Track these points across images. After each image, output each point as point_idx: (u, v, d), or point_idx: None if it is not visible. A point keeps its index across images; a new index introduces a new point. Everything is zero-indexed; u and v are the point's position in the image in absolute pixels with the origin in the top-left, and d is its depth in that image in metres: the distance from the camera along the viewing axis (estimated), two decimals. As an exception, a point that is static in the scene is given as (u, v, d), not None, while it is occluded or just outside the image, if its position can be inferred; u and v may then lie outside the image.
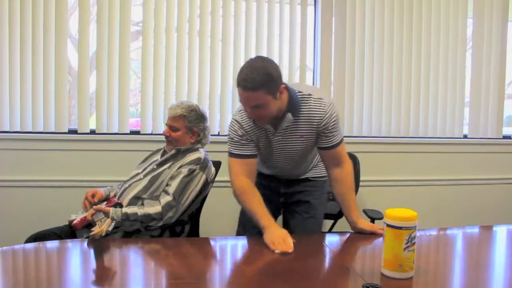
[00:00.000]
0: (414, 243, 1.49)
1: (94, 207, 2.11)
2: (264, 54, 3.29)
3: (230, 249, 1.92)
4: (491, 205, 3.63)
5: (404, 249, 1.47)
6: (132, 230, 2.18)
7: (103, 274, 1.59)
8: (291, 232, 1.89)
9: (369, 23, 3.42)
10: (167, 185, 2.27)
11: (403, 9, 3.45)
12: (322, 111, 1.96)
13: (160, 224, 2.19)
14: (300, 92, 1.97)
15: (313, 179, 2.28)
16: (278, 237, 1.82)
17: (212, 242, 1.96)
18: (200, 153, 2.37)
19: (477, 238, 2.20)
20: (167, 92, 3.20)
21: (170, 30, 3.19)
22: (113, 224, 1.93)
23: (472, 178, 3.61)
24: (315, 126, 1.98)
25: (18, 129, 3.08)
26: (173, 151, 2.37)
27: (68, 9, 3.11)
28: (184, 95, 3.21)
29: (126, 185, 2.36)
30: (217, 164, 2.58)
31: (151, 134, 3.19)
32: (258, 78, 1.78)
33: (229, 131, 2.05)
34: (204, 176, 2.32)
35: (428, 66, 3.51)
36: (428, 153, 3.54)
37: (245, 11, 3.28)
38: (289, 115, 1.94)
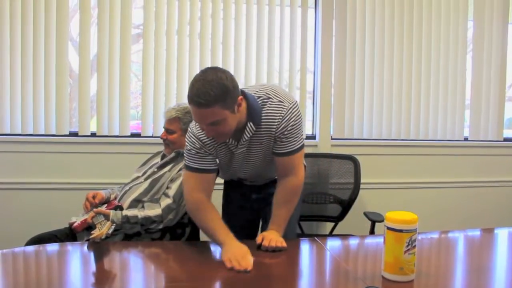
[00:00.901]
0: (415, 246, 1.49)
1: (94, 210, 2.11)
2: (264, 56, 3.30)
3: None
4: (492, 208, 3.63)
5: (405, 252, 1.47)
6: (132, 233, 2.18)
7: (103, 277, 1.59)
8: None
9: (370, 26, 3.42)
10: (167, 187, 2.27)
11: (404, 12, 3.45)
12: (280, 115, 1.81)
13: (161, 226, 2.19)
14: (259, 97, 1.84)
15: None
16: (236, 254, 1.67)
17: (212, 246, 1.96)
18: None
19: (478, 241, 2.19)
20: (168, 95, 3.20)
21: (170, 32, 3.20)
22: (113, 226, 1.92)
23: (473, 181, 3.61)
24: (273, 129, 1.83)
25: (19, 132, 3.08)
26: (173, 154, 2.38)
27: (69, 12, 3.12)
28: (184, 98, 3.17)
29: (127, 187, 2.36)
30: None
31: (152, 136, 3.19)
32: (212, 93, 1.62)
33: (186, 142, 1.92)
34: None
35: (429, 68, 3.51)
36: (428, 155, 3.54)
37: (245, 14, 3.28)
38: (251, 125, 1.81)
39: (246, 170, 2.03)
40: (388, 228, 1.50)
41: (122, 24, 3.13)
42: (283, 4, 3.31)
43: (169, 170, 2.33)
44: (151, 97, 3.20)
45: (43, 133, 3.10)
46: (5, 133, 3.06)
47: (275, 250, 1.80)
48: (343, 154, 3.11)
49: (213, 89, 1.63)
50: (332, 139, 3.40)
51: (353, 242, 2.13)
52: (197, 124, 1.85)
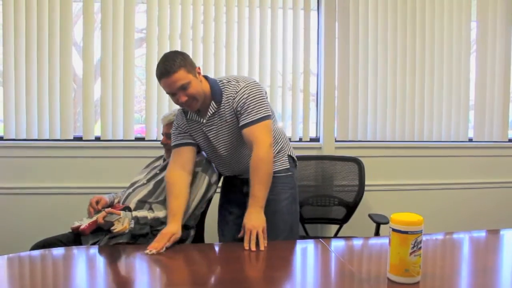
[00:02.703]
0: (420, 247, 1.48)
1: (106, 210, 2.11)
2: (267, 59, 3.30)
3: (234, 254, 1.91)
4: (497, 209, 3.61)
5: (410, 253, 1.47)
6: (139, 234, 2.18)
7: (108, 281, 1.59)
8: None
9: (373, 27, 3.42)
10: None
11: (407, 13, 3.45)
12: (235, 91, 2.01)
13: None
14: (221, 81, 2.06)
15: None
16: (161, 234, 1.88)
17: (216, 248, 1.96)
18: (201, 156, 2.38)
19: (484, 242, 2.18)
20: (171, 99, 3.20)
21: (174, 36, 3.21)
22: (132, 221, 1.96)
23: (478, 182, 3.59)
24: (230, 107, 2.03)
25: (24, 137, 3.10)
26: None
27: (72, 17, 3.14)
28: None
29: (130, 190, 2.37)
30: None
31: (156, 140, 3.20)
32: (174, 61, 1.90)
33: (173, 123, 2.21)
34: (206, 178, 2.31)
35: (432, 69, 3.51)
36: (433, 157, 3.53)
37: (248, 17, 3.29)
38: (213, 103, 2.03)
39: (223, 152, 2.13)
40: (394, 230, 1.49)
41: (126, 29, 3.15)
42: (286, 7, 3.32)
43: None
44: (155, 101, 3.20)
45: (47, 138, 3.12)
46: (10, 138, 3.08)
47: (257, 244, 1.84)
48: (347, 156, 3.11)
49: (174, 58, 1.91)
50: (336, 141, 3.40)
51: (358, 243, 2.12)
52: (176, 110, 2.17)
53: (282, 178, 2.15)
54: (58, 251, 1.90)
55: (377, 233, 2.72)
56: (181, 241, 2.27)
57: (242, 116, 2.01)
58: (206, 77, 2.07)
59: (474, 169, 3.60)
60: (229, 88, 2.03)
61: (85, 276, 1.66)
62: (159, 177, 2.35)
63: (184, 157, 2.12)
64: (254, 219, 1.89)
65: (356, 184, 3.00)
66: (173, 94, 1.98)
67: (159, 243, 1.82)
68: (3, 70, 3.07)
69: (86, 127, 3.15)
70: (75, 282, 1.58)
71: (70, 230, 2.27)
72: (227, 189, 2.34)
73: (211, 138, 2.11)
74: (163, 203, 2.25)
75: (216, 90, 2.03)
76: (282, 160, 2.17)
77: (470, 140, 3.63)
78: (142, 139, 3.24)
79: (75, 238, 2.24)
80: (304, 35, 3.36)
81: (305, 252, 1.93)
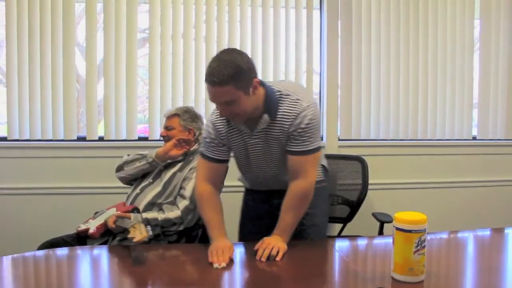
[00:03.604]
0: (424, 246, 1.48)
1: (116, 213, 2.11)
2: (270, 58, 3.30)
3: (239, 254, 1.92)
4: (501, 207, 3.59)
5: (414, 252, 1.46)
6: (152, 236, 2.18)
7: (113, 281, 1.60)
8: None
9: (375, 26, 3.41)
10: (181, 188, 2.29)
11: (409, 11, 3.44)
12: (295, 113, 1.80)
13: (181, 228, 2.21)
14: (279, 91, 1.84)
15: None
16: (218, 248, 1.73)
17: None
18: None
19: (489, 240, 2.18)
20: (174, 98, 3.21)
21: (176, 36, 3.21)
22: (149, 228, 1.94)
23: (482, 180, 3.58)
24: (286, 127, 1.82)
25: (28, 137, 3.11)
26: (180, 156, 2.40)
27: (75, 17, 3.14)
28: (191, 101, 3.22)
29: (137, 190, 2.37)
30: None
31: (159, 140, 3.19)
32: (226, 72, 1.65)
33: (204, 130, 2.02)
34: None
35: (436, 67, 3.50)
36: (436, 155, 3.52)
37: (250, 16, 3.29)
38: (266, 116, 1.81)
39: (261, 167, 1.99)
40: (397, 229, 1.49)
41: (128, 29, 3.15)
42: (288, 6, 3.31)
43: (180, 170, 2.35)
44: (157, 100, 3.21)
45: (51, 138, 3.12)
46: (14, 139, 3.08)
47: (269, 259, 1.73)
48: (351, 155, 3.10)
49: (226, 69, 1.65)
50: (339, 140, 3.39)
51: (362, 243, 2.12)
52: (214, 112, 1.89)
53: (317, 189, 2.02)
54: (63, 251, 1.90)
55: (380, 232, 2.71)
56: (190, 240, 2.28)
57: (296, 141, 1.83)
58: (263, 84, 1.83)
59: (478, 168, 3.58)
60: (289, 105, 1.81)
61: (89, 276, 1.66)
62: (167, 176, 2.35)
63: (217, 173, 1.97)
64: (276, 241, 1.80)
65: (359, 182, 2.99)
66: (212, 101, 1.79)
67: (223, 256, 1.69)
68: (6, 71, 3.08)
69: (89, 127, 3.16)
70: (79, 282, 1.58)
71: (75, 231, 2.28)
72: (252, 201, 2.21)
73: (252, 151, 1.94)
74: (173, 203, 2.26)
75: (271, 103, 1.81)
76: (318, 171, 2.06)
77: (474, 138, 3.62)
78: (145, 139, 3.24)
79: (80, 238, 2.24)
80: (306, 34, 3.36)
81: (309, 252, 1.93)
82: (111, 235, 2.16)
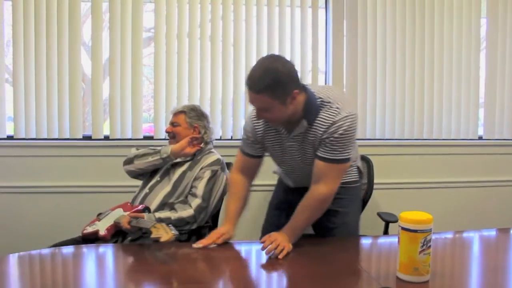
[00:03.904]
0: (430, 246, 1.47)
1: (130, 214, 2.11)
2: (275, 57, 3.29)
3: (245, 253, 1.92)
4: (508, 207, 3.57)
5: (420, 252, 1.46)
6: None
7: (119, 279, 1.60)
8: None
9: (381, 25, 3.40)
10: (192, 187, 2.30)
11: (415, 10, 3.42)
12: (331, 121, 1.79)
13: (194, 227, 2.23)
14: (320, 98, 1.83)
15: (340, 185, 2.02)
16: (215, 233, 1.89)
17: (235, 246, 1.97)
18: (217, 155, 2.43)
19: (494, 241, 2.16)
20: (179, 97, 3.22)
21: (181, 35, 3.21)
22: (171, 226, 1.92)
23: (488, 180, 3.56)
24: (320, 133, 1.83)
25: (34, 136, 3.12)
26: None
27: (81, 16, 3.15)
28: (196, 100, 3.22)
29: (146, 190, 2.36)
30: (229, 166, 2.60)
31: (164, 139, 3.20)
32: (263, 81, 1.66)
33: (244, 126, 2.08)
34: (225, 177, 2.39)
35: (442, 67, 3.48)
36: (442, 155, 3.50)
37: (256, 15, 3.28)
38: (304, 122, 1.82)
39: (297, 168, 2.04)
40: (403, 228, 1.48)
41: (134, 28, 3.16)
42: (294, 5, 3.31)
43: (190, 169, 2.35)
44: (163, 99, 3.21)
45: (57, 137, 3.14)
46: (20, 138, 3.10)
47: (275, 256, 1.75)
48: (356, 155, 3.09)
49: (265, 78, 1.67)
50: (344, 139, 3.38)
51: (367, 242, 2.11)
52: (254, 110, 1.90)
53: (351, 189, 2.13)
54: (68, 249, 1.91)
55: (385, 232, 2.71)
56: (200, 236, 2.28)
57: (326, 148, 1.82)
58: (305, 89, 1.83)
59: (484, 167, 3.56)
60: (327, 112, 1.81)
61: (95, 274, 1.67)
62: (176, 175, 2.35)
63: (251, 167, 2.06)
64: (283, 239, 1.81)
65: (365, 182, 2.98)
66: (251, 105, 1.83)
67: (207, 240, 1.85)
68: (12, 70, 3.09)
69: (95, 126, 3.17)
70: (85, 281, 1.59)
71: (78, 228, 2.27)
72: (293, 202, 2.21)
73: (288, 152, 1.98)
74: (185, 202, 2.26)
75: (311, 110, 1.81)
76: (353, 171, 2.14)
77: (480, 138, 3.59)
78: (151, 138, 3.25)
79: (87, 241, 2.22)
80: (312, 33, 3.35)
81: (314, 250, 1.92)
82: (119, 236, 2.16)
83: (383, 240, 2.23)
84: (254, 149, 2.02)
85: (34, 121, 3.11)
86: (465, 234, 2.19)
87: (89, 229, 2.19)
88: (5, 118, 3.12)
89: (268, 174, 3.32)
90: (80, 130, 3.16)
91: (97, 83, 3.16)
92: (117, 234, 2.16)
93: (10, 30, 3.08)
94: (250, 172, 2.07)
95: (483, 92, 3.58)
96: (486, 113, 3.60)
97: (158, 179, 2.38)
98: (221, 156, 2.46)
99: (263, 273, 1.69)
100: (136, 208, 2.23)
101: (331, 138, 1.80)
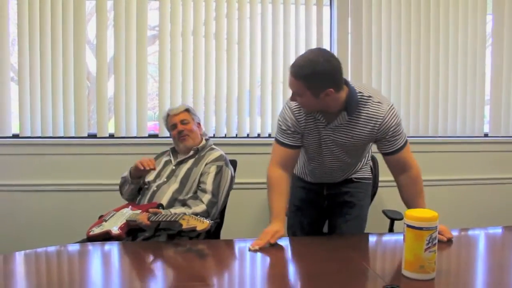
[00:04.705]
0: (436, 243, 1.47)
1: (150, 210, 2.12)
2: (280, 55, 3.29)
3: (249, 251, 1.92)
4: (514, 205, 3.56)
5: (425, 250, 1.46)
6: (175, 233, 2.19)
7: (124, 277, 1.61)
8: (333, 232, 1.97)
9: (386, 22, 3.39)
10: (200, 182, 2.32)
11: (420, 6, 3.41)
12: (380, 116, 1.90)
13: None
14: (360, 92, 1.91)
15: (356, 180, 2.26)
16: (263, 232, 1.85)
17: (236, 244, 1.97)
18: (220, 151, 2.46)
19: (500, 238, 2.16)
20: (184, 96, 3.22)
21: (186, 33, 3.21)
22: (199, 216, 1.90)
23: (494, 177, 3.55)
24: (369, 130, 1.92)
25: (39, 134, 3.13)
26: (191, 152, 2.44)
27: (85, 15, 3.16)
28: (201, 98, 3.23)
29: (154, 187, 2.37)
30: (233, 163, 2.62)
31: (168, 137, 3.20)
32: (303, 70, 1.75)
33: (280, 116, 2.04)
34: (230, 172, 2.41)
35: (447, 64, 3.46)
36: (448, 152, 3.49)
37: (260, 13, 3.28)
38: (344, 114, 1.90)
39: (329, 160, 2.08)
40: (408, 226, 1.48)
41: (138, 26, 3.16)
42: (298, 3, 3.30)
43: (195, 166, 2.38)
44: (167, 98, 3.22)
45: (62, 135, 3.15)
46: (25, 136, 3.11)
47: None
48: (361, 152, 3.09)
49: (305, 67, 1.75)
50: (349, 137, 3.37)
51: (372, 240, 2.11)
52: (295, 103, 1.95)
53: (365, 185, 2.29)
54: (74, 247, 1.92)
55: (391, 229, 2.70)
56: (209, 235, 2.29)
57: (390, 143, 1.96)
58: (347, 84, 1.90)
59: (490, 165, 3.55)
60: (370, 107, 1.91)
61: (101, 271, 1.67)
62: (181, 173, 2.37)
63: (290, 158, 2.04)
64: (444, 228, 1.94)
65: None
66: None
67: (262, 240, 1.82)
68: (18, 69, 3.10)
69: (100, 125, 3.18)
70: (91, 278, 1.59)
71: (81, 227, 2.27)
72: (307, 190, 2.32)
73: (325, 142, 2.02)
74: (196, 197, 2.28)
75: (352, 103, 1.88)
76: (367, 169, 2.29)
77: (486, 135, 3.58)
78: (156, 136, 3.25)
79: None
80: (316, 31, 3.34)
81: (319, 248, 1.92)
82: (131, 235, 2.16)
83: (388, 237, 2.22)
84: (294, 139, 2.01)
85: (39, 119, 3.12)
86: (470, 232, 2.18)
87: (97, 230, 2.19)
88: (10, 117, 3.13)
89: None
90: (85, 128, 3.17)
91: (102, 81, 3.17)
92: (128, 233, 2.15)
93: (15, 28, 3.09)
94: (289, 164, 2.05)
95: (489, 89, 3.56)
96: (492, 111, 3.58)
97: (165, 179, 2.39)
98: (224, 153, 2.48)
99: (267, 270, 1.69)
100: (151, 205, 2.22)
101: (390, 133, 1.93)
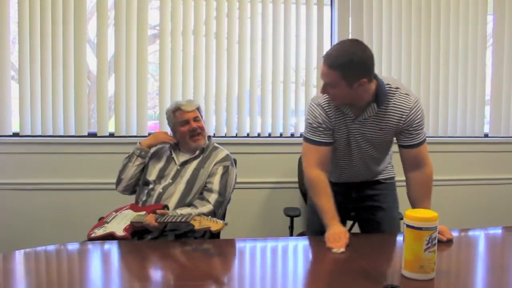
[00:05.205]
0: (435, 244, 1.47)
1: (158, 211, 2.09)
2: (280, 54, 3.29)
3: (249, 251, 1.92)
4: (514, 205, 3.56)
5: (425, 250, 1.46)
6: (183, 232, 2.18)
7: (123, 276, 1.61)
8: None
9: (386, 22, 3.39)
10: (207, 183, 2.29)
11: (421, 7, 3.40)
12: (408, 107, 1.91)
13: None
14: (388, 84, 1.92)
15: (383, 181, 2.23)
16: (335, 234, 1.83)
17: (237, 243, 1.96)
18: (225, 150, 2.43)
19: (500, 239, 2.16)
20: (184, 95, 3.22)
21: (187, 33, 3.21)
22: (210, 217, 1.88)
23: (494, 178, 3.55)
24: (396, 121, 1.93)
25: (39, 133, 3.13)
26: (197, 152, 2.37)
27: (86, 14, 3.16)
28: (201, 97, 3.22)
29: (160, 189, 2.31)
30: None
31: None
32: (339, 59, 1.76)
33: (308, 115, 2.02)
34: (235, 171, 2.40)
35: (448, 64, 3.46)
36: (448, 152, 3.49)
37: (261, 12, 3.28)
38: (374, 106, 1.90)
39: (357, 156, 2.07)
40: (408, 226, 1.48)
41: (139, 25, 3.16)
42: (299, 2, 3.30)
43: (202, 167, 2.32)
44: (168, 97, 3.22)
45: (62, 134, 3.15)
46: (25, 135, 3.11)
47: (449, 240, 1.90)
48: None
49: (340, 57, 1.76)
50: (349, 137, 3.37)
51: (372, 239, 2.11)
52: (323, 95, 1.95)
53: (391, 184, 2.27)
54: (74, 246, 1.92)
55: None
56: (213, 235, 2.29)
57: (411, 135, 1.96)
58: (375, 76, 1.90)
59: (490, 165, 3.55)
60: (398, 98, 1.92)
61: (100, 270, 1.67)
62: (187, 174, 2.32)
63: (326, 156, 2.01)
64: (443, 228, 1.95)
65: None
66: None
67: (340, 242, 1.79)
68: (18, 67, 3.10)
69: (100, 124, 3.18)
70: (90, 277, 1.59)
71: (82, 227, 2.26)
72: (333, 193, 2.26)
73: (353, 137, 2.01)
74: (203, 198, 2.27)
75: (382, 94, 1.90)
76: (391, 168, 2.27)
77: (486, 135, 3.58)
78: (156, 135, 3.25)
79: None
80: (317, 30, 3.34)
81: (319, 248, 1.92)
82: (135, 236, 2.14)
83: (388, 237, 2.22)
84: (327, 136, 1.99)
85: (39, 118, 3.12)
86: (470, 232, 2.18)
87: (99, 232, 2.15)
88: (11, 115, 3.13)
89: (269, 172, 3.34)
90: (85, 127, 3.17)
91: (102, 80, 3.17)
92: (132, 235, 2.13)
93: (16, 27, 3.09)
94: (326, 162, 2.01)
95: (489, 90, 3.56)
96: (492, 111, 3.58)
97: (170, 181, 2.32)
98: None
99: (268, 270, 1.69)
100: (155, 206, 2.20)
101: (414, 125, 1.94)
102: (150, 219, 2.05)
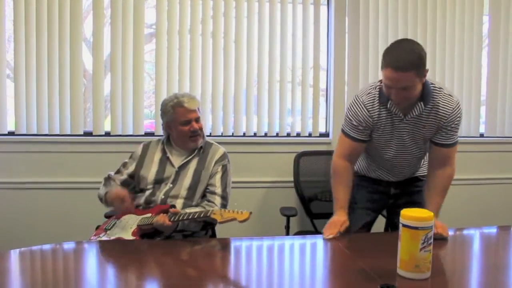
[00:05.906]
0: (431, 243, 1.48)
1: (171, 210, 2.04)
2: (277, 54, 3.29)
3: (245, 250, 1.92)
4: (509, 205, 3.57)
5: (421, 249, 1.46)
6: (191, 231, 2.18)
7: (119, 275, 1.60)
8: None
9: (383, 21, 3.39)
10: (209, 184, 2.27)
11: (417, 7, 3.41)
12: (451, 107, 1.97)
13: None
14: (432, 84, 1.98)
15: (422, 178, 2.28)
16: (332, 222, 1.97)
17: (232, 243, 1.96)
18: (222, 147, 2.39)
19: (495, 238, 2.17)
20: (180, 94, 3.21)
21: (183, 32, 3.21)
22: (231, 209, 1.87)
23: (489, 178, 3.56)
24: (439, 119, 1.98)
25: (35, 132, 3.12)
26: (195, 152, 2.32)
27: (82, 12, 3.15)
28: (198, 96, 3.21)
29: (162, 195, 2.24)
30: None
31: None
32: (411, 59, 1.80)
33: (349, 111, 2.08)
34: (231, 170, 2.38)
35: (443, 64, 3.47)
36: (444, 152, 3.49)
37: (258, 12, 3.28)
38: (421, 104, 1.95)
39: (399, 153, 2.11)
40: (404, 226, 1.48)
41: (135, 24, 3.15)
42: (295, 1, 3.30)
43: (203, 168, 2.27)
44: (164, 96, 3.19)
45: (58, 133, 3.14)
46: (21, 133, 3.10)
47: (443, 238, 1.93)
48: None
49: (411, 56, 1.81)
50: (345, 136, 3.37)
51: (368, 239, 2.11)
52: (369, 94, 2.02)
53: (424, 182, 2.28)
54: (69, 245, 1.91)
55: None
56: (213, 228, 2.29)
57: (448, 135, 2.03)
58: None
59: (486, 165, 3.56)
60: (442, 99, 1.98)
61: (95, 269, 1.67)
62: (188, 176, 2.26)
63: (357, 152, 2.12)
64: (440, 224, 1.99)
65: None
66: (389, 86, 1.90)
67: (333, 229, 1.93)
68: (14, 66, 3.09)
69: (96, 122, 3.17)
70: (86, 276, 1.59)
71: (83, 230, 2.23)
72: (371, 191, 2.33)
73: (399, 135, 2.06)
74: (208, 200, 2.26)
75: (427, 93, 1.95)
76: (426, 163, 2.26)
77: (481, 135, 3.59)
78: (152, 134, 3.25)
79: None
80: (314, 30, 3.34)
81: (315, 248, 1.93)
82: (144, 239, 2.11)
83: (384, 237, 2.23)
84: (364, 134, 2.06)
85: (35, 117, 3.11)
86: (465, 232, 2.19)
87: (102, 237, 2.08)
88: (6, 114, 3.12)
89: (265, 171, 3.34)
90: (81, 126, 3.16)
91: (98, 79, 3.16)
92: (141, 238, 2.06)
93: (11, 25, 3.08)
94: (355, 156, 2.13)
95: (485, 90, 3.57)
96: (487, 111, 3.59)
97: (171, 185, 2.25)
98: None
99: (263, 269, 1.69)
100: (161, 207, 2.15)
101: (453, 125, 2.00)
102: (162, 219, 1.98)
